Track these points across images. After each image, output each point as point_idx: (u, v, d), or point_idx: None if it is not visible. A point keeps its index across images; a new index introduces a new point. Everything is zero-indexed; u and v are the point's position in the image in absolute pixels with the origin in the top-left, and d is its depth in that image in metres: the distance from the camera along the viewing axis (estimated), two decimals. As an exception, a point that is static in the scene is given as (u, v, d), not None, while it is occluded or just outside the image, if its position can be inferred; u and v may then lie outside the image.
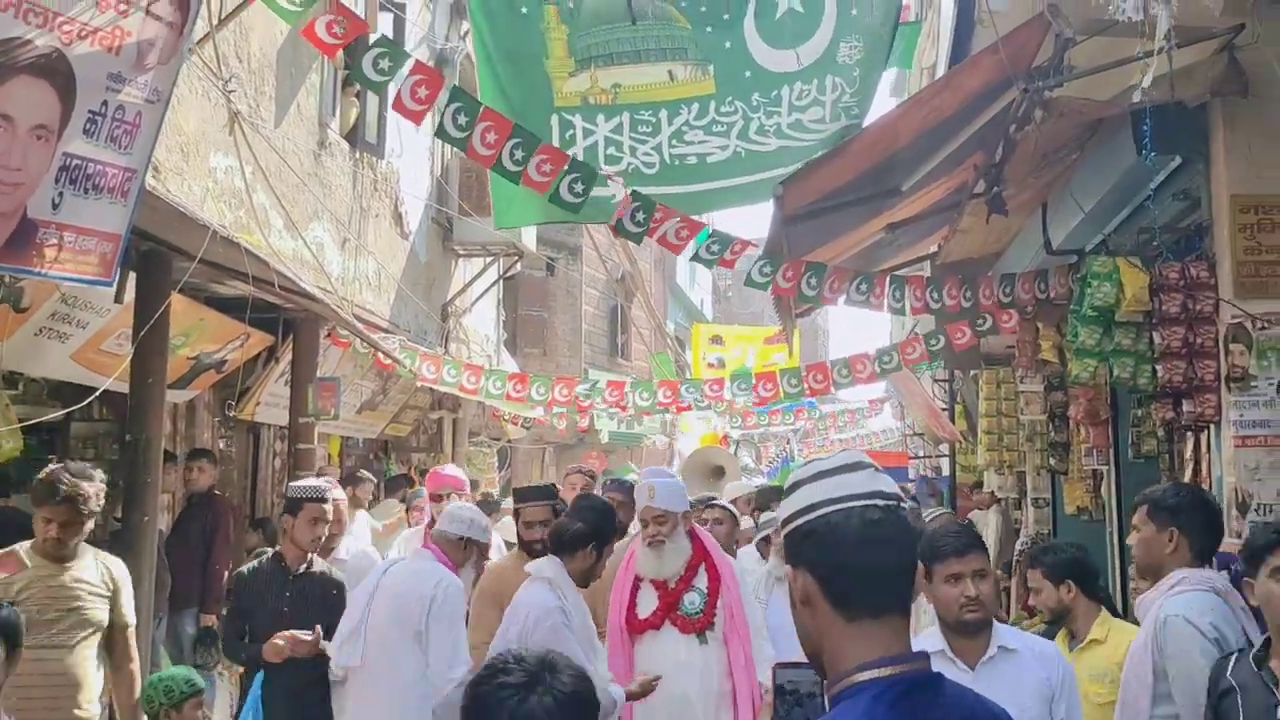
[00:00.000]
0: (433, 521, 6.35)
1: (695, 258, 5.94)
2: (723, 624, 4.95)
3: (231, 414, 8.99)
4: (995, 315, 7.77)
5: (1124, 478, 7.67)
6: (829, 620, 1.65)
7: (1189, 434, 5.96)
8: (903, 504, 1.71)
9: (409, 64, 4.70)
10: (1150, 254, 5.92)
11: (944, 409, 13.89)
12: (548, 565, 4.55)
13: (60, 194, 3.68)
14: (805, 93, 6.29)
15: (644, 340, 23.07)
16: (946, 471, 14.50)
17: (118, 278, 4.13)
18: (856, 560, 1.63)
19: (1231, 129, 5.55)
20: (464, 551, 4.88)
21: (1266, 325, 5.35)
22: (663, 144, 6.12)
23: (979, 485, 11.97)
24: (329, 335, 9.02)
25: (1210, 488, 5.66)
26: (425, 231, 11.87)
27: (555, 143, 6.15)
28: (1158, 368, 5.61)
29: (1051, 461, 8.41)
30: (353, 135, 9.46)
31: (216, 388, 9.21)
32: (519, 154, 5.03)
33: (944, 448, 14.36)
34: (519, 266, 15.42)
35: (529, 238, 13.14)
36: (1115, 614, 4.17)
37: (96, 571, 4.59)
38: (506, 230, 11.16)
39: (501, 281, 15.46)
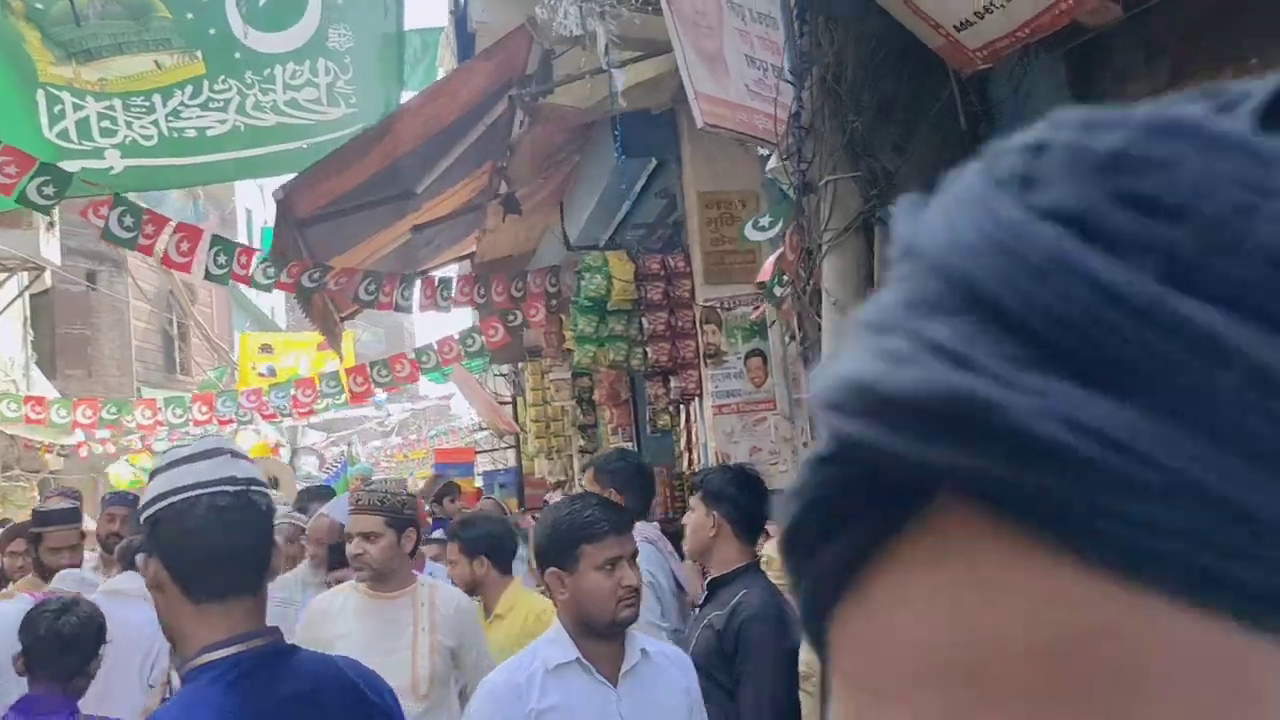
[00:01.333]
0: None
1: (208, 276, 5.83)
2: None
3: None
4: (524, 310, 8.20)
5: (644, 451, 8.36)
6: (179, 604, 1.73)
7: (681, 407, 6.63)
8: (256, 489, 1.78)
9: None
10: (637, 248, 6.53)
11: (507, 402, 14.38)
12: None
13: None
14: (298, 73, 6.49)
15: (214, 351, 21.92)
16: (514, 463, 15.01)
17: None
18: (199, 546, 1.70)
19: (694, 133, 6.22)
20: None
21: (731, 306, 6.05)
22: (159, 119, 6.04)
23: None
24: None
25: (699, 453, 6.34)
26: (-82, 246, 10.64)
27: (43, 118, 5.89)
28: (647, 350, 6.21)
29: (581, 442, 9.00)
30: None
31: None
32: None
33: (508, 439, 14.86)
34: (48, 281, 14.15)
35: (52, 250, 12.12)
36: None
37: None
38: (26, 242, 10.29)
39: (28, 299, 14.13)
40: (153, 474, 1.83)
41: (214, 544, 1.70)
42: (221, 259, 5.76)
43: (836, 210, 3.37)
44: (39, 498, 15.51)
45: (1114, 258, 0.27)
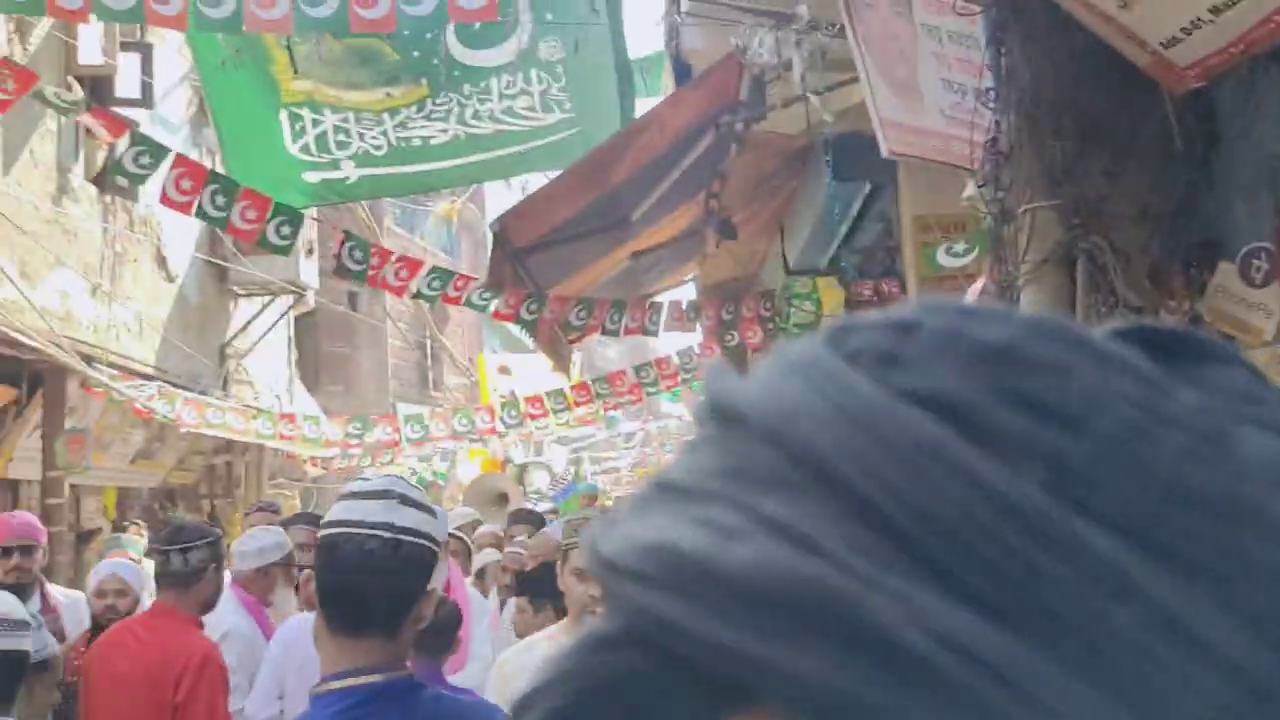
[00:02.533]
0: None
1: (418, 296, 6.11)
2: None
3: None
4: (740, 331, 8.14)
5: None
6: (321, 628, 1.82)
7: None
8: (411, 539, 1.79)
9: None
10: (851, 273, 6.35)
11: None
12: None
13: None
14: (512, 84, 6.77)
15: (459, 370, 23.00)
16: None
17: None
18: (341, 580, 1.78)
19: (910, 156, 6.01)
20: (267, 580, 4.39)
21: (947, 336, 5.80)
22: (388, 130, 6.48)
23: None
24: (83, 385, 8.77)
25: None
26: (197, 273, 11.65)
27: (286, 135, 6.43)
28: (859, 379, 6.04)
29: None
30: (101, 179, 9.24)
31: (-38, 445, 8.85)
32: (220, 200, 5.10)
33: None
34: (311, 301, 15.22)
35: (310, 274, 13.01)
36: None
37: None
38: (287, 267, 11.13)
39: (293, 319, 15.23)
40: (337, 499, 1.93)
41: (355, 582, 1.76)
42: (435, 284, 6.05)
43: (1035, 241, 3.14)
44: (299, 506, 16.71)
45: (997, 459, 0.24)
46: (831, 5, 3.70)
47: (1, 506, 9.76)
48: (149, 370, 10.02)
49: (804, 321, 6.07)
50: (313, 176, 6.47)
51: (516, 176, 11.63)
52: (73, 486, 10.82)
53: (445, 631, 4.09)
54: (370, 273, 5.72)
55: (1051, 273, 3.18)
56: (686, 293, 10.17)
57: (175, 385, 10.04)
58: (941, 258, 4.22)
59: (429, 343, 22.59)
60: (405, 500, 1.85)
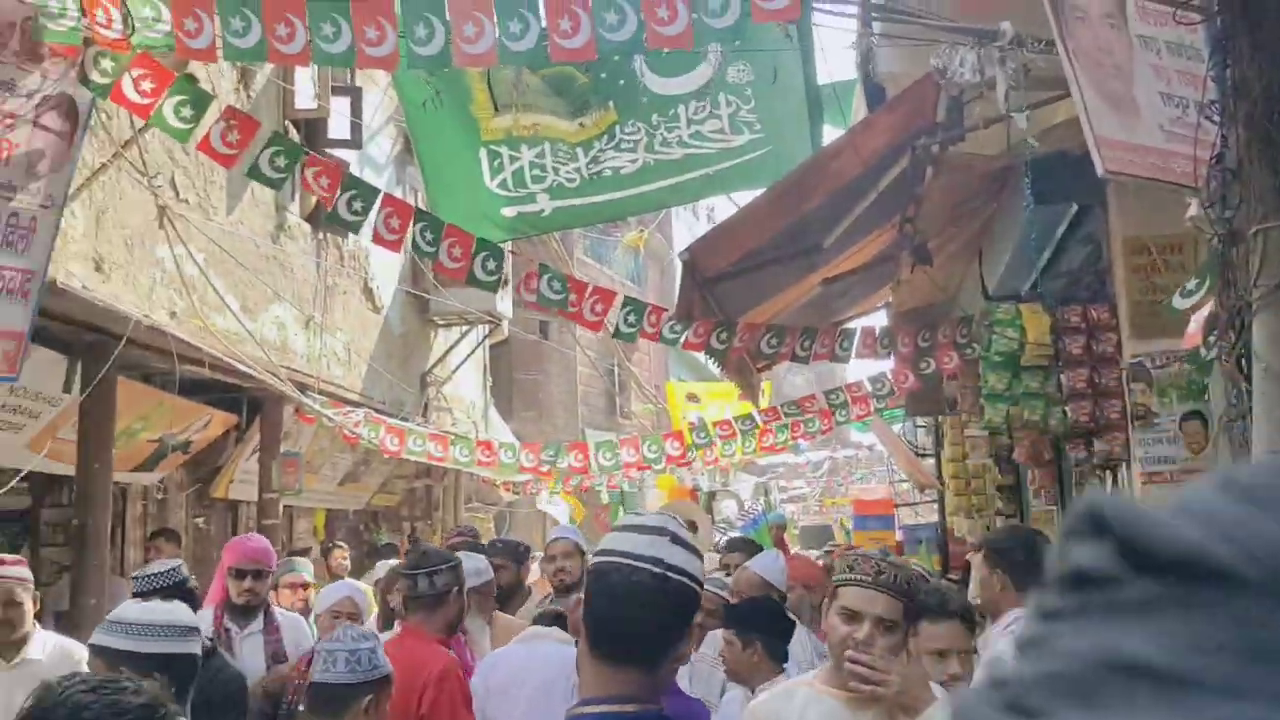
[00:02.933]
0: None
1: (616, 334, 6.19)
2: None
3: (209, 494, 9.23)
4: (935, 358, 7.90)
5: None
6: (584, 652, 1.87)
7: (1106, 472, 6.07)
8: (678, 576, 1.81)
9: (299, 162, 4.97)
10: (1055, 299, 6.08)
11: (928, 455, 13.96)
12: None
13: (-41, 297, 3.92)
14: (701, 109, 6.76)
15: (646, 397, 23.22)
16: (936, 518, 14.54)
17: (20, 372, 4.34)
18: (607, 609, 1.83)
19: (1120, 175, 5.72)
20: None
21: (1164, 364, 5.47)
22: (581, 165, 6.58)
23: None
24: (296, 412, 9.25)
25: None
26: (400, 304, 12.14)
27: (485, 174, 6.66)
28: (1066, 409, 5.74)
29: (999, 504, 8.49)
30: (315, 217, 9.76)
31: (189, 467, 9.44)
32: (429, 236, 5.29)
33: (930, 493, 14.41)
34: (505, 330, 15.64)
35: (506, 304, 13.39)
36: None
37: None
38: (484, 299, 11.49)
39: (487, 348, 15.69)
40: (613, 529, 2.01)
41: (619, 612, 1.82)
42: (631, 318, 6.09)
43: (1267, 265, 2.92)
44: (494, 530, 17.15)
45: None
46: (1038, 20, 3.55)
47: (222, 527, 10.37)
48: (355, 397, 10.48)
49: (1007, 350, 5.82)
50: (509, 211, 6.67)
51: (706, 199, 11.61)
52: (286, 508, 11.42)
53: None
54: (570, 308, 5.83)
55: (1288, 297, 2.95)
56: (878, 320, 9.98)
57: (380, 412, 10.47)
58: (1178, 301, 3.97)
59: (616, 370, 22.91)
60: (676, 540, 1.87)
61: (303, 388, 8.97)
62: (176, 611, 2.90)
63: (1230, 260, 3.13)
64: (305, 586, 5.90)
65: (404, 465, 13.02)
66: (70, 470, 6.55)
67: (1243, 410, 3.12)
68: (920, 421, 14.28)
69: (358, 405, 10.07)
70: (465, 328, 13.57)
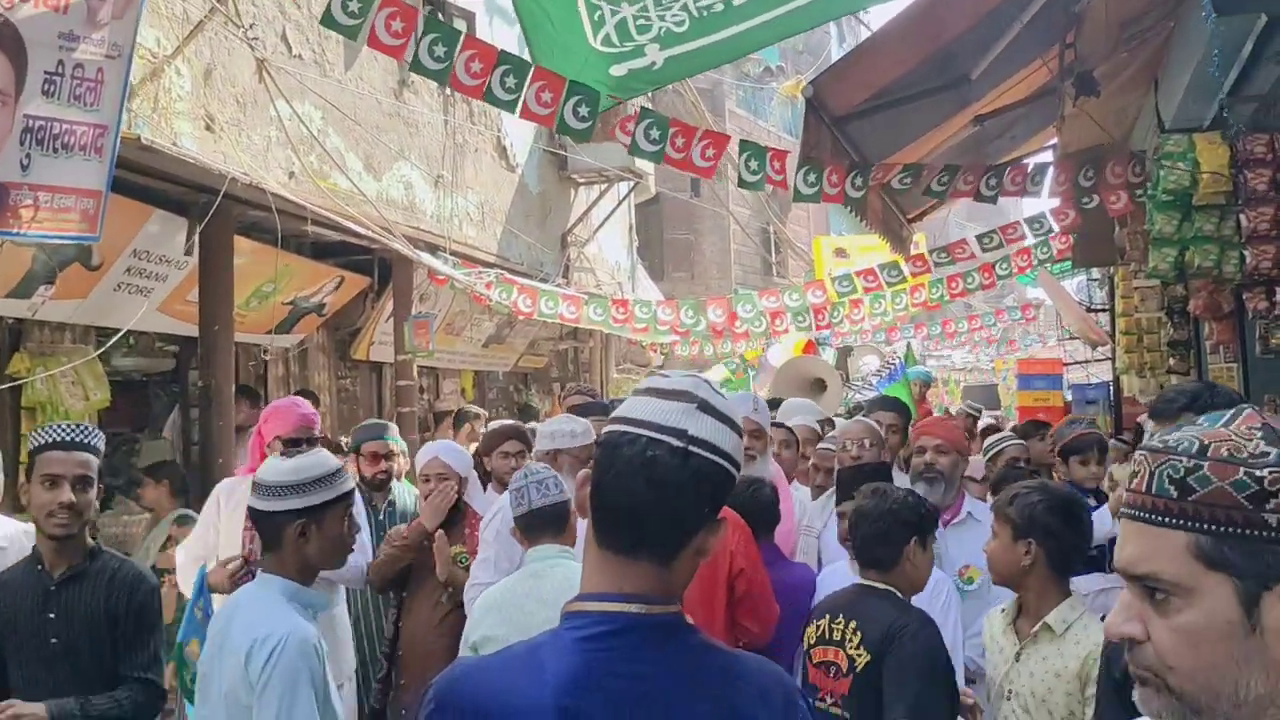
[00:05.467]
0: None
1: (741, 183, 5.71)
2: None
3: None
4: (1104, 196, 7.09)
5: (1251, 377, 7.02)
6: (589, 537, 1.55)
7: (1292, 325, 5.37)
8: (705, 452, 1.49)
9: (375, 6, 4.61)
10: (1239, 128, 5.31)
11: (1101, 309, 13.08)
12: None
13: (28, 155, 3.79)
14: None
15: (799, 255, 22.58)
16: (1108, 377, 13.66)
17: (102, 230, 4.24)
18: (617, 489, 1.50)
19: (1324, -27, 4.88)
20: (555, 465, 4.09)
21: (1368, 198, 4.73)
22: (687, 3, 5.92)
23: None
24: (429, 273, 9.16)
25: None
26: (537, 161, 11.86)
27: (587, 29, 6.06)
28: (1245, 253, 5.06)
29: (1171, 361, 7.76)
30: (440, 71, 9.48)
31: (329, 329, 9.53)
32: (510, 81, 4.93)
33: (1103, 351, 13.51)
34: (652, 188, 15.24)
35: (645, 161, 12.96)
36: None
37: None
38: (621, 155, 11.09)
39: (632, 206, 15.35)
40: (632, 392, 1.64)
41: (631, 491, 1.48)
42: (753, 164, 5.59)
43: None
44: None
45: None
46: None
47: (368, 386, 10.53)
48: (490, 258, 10.34)
49: (1177, 186, 5.14)
50: (619, 70, 5.98)
51: (837, 19, 10.57)
52: (431, 369, 11.51)
53: (769, 508, 3.96)
54: (677, 154, 5.35)
55: None
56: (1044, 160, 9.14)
57: (516, 273, 10.32)
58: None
59: (771, 229, 22.28)
60: (706, 407, 1.52)
61: (434, 249, 8.85)
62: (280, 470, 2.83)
63: None
64: (388, 456, 5.03)
65: (549, 327, 12.93)
66: (193, 331, 6.58)
67: None
68: (1095, 275, 13.36)
69: (492, 266, 9.92)
70: (605, 185, 13.21)
